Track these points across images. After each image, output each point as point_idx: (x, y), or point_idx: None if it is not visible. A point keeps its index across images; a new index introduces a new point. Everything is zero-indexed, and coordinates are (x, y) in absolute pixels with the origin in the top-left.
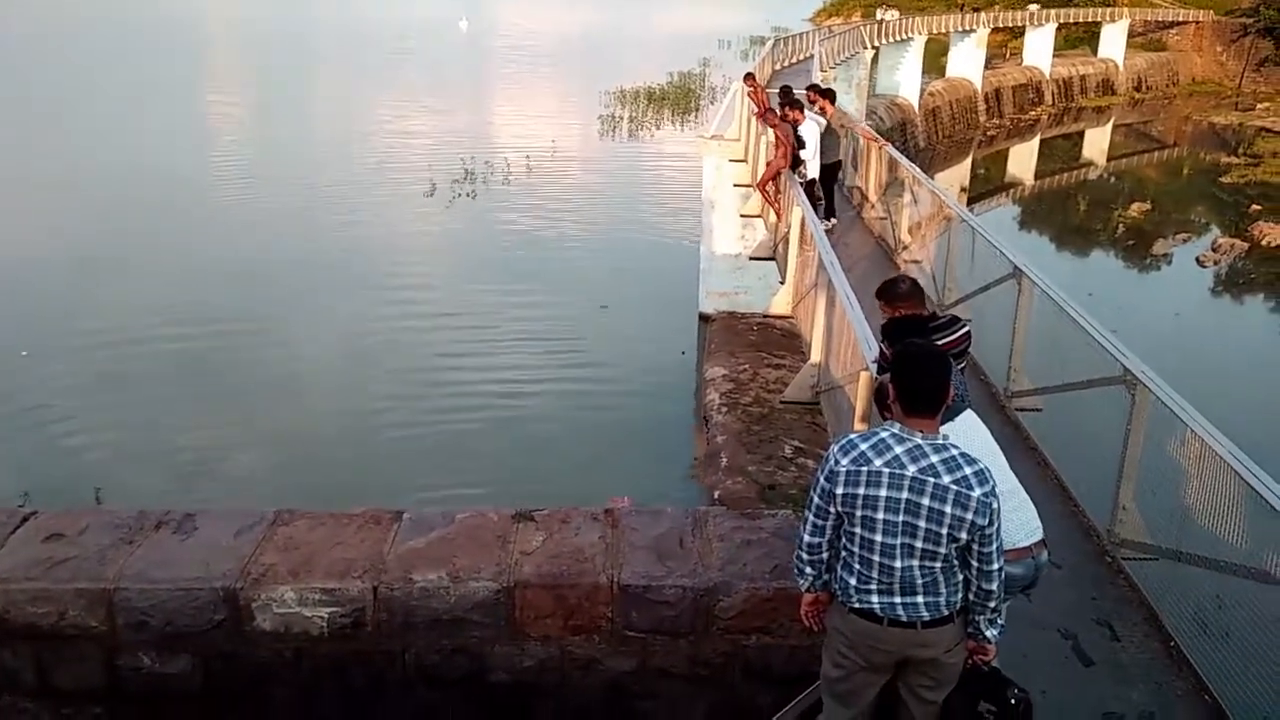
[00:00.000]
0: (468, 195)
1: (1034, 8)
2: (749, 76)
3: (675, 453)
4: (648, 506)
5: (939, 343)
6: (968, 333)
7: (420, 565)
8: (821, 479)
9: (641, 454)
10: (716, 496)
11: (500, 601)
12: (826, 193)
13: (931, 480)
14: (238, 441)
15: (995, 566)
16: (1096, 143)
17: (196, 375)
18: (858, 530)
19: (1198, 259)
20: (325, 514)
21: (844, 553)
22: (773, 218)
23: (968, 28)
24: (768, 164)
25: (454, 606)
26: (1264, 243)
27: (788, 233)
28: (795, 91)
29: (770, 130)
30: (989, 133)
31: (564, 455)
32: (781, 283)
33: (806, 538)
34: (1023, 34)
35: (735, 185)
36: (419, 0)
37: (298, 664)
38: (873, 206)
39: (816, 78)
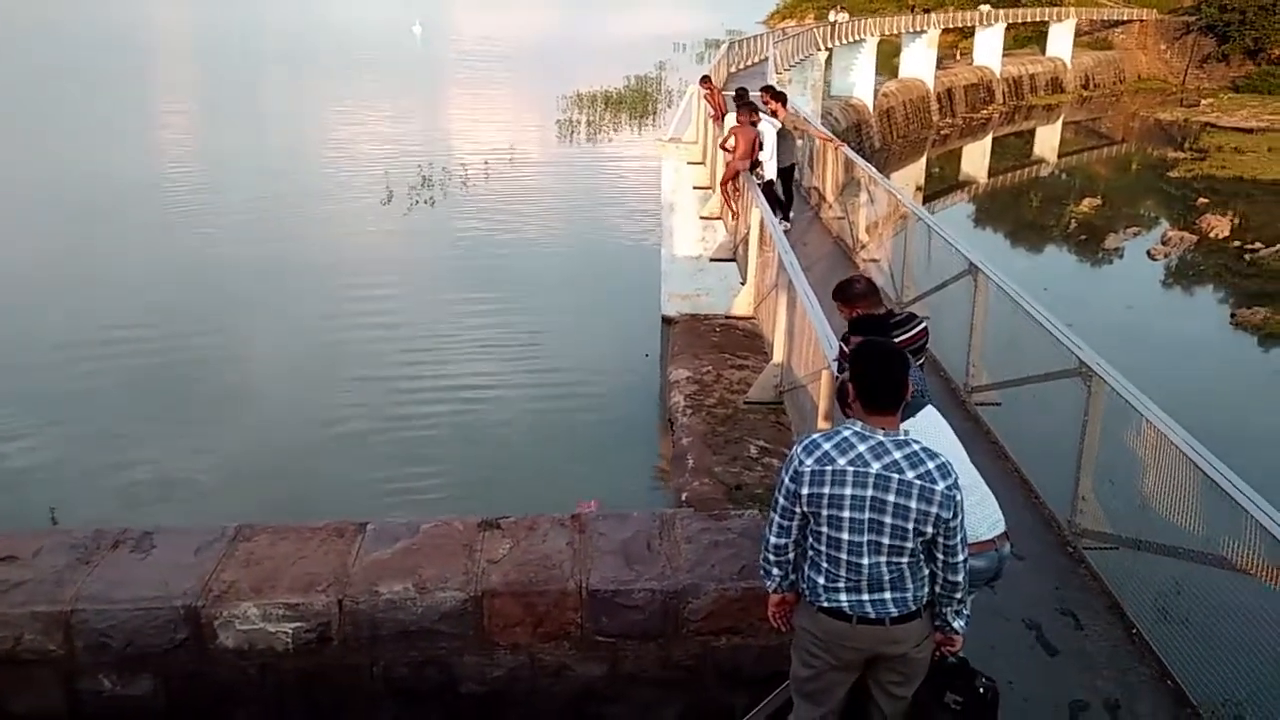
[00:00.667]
0: (426, 202)
1: (985, 8)
2: (705, 80)
3: (641, 456)
4: (615, 510)
5: (897, 339)
6: (925, 329)
7: (386, 577)
8: (786, 480)
9: (608, 458)
10: (684, 498)
11: (468, 611)
12: (785, 194)
13: (896, 476)
14: (196, 455)
15: (960, 559)
16: (1047, 140)
17: (151, 388)
18: (824, 529)
19: (1148, 252)
20: (287, 527)
21: (811, 552)
22: (732, 220)
23: (919, 29)
24: (727, 164)
25: (421, 618)
26: (1212, 235)
27: (747, 234)
28: (750, 94)
29: (729, 133)
30: (942, 132)
31: (529, 461)
32: (743, 284)
33: (773, 539)
34: (973, 34)
35: (695, 187)
36: (371, 5)
37: (263, 681)
38: (830, 206)
39: (772, 80)
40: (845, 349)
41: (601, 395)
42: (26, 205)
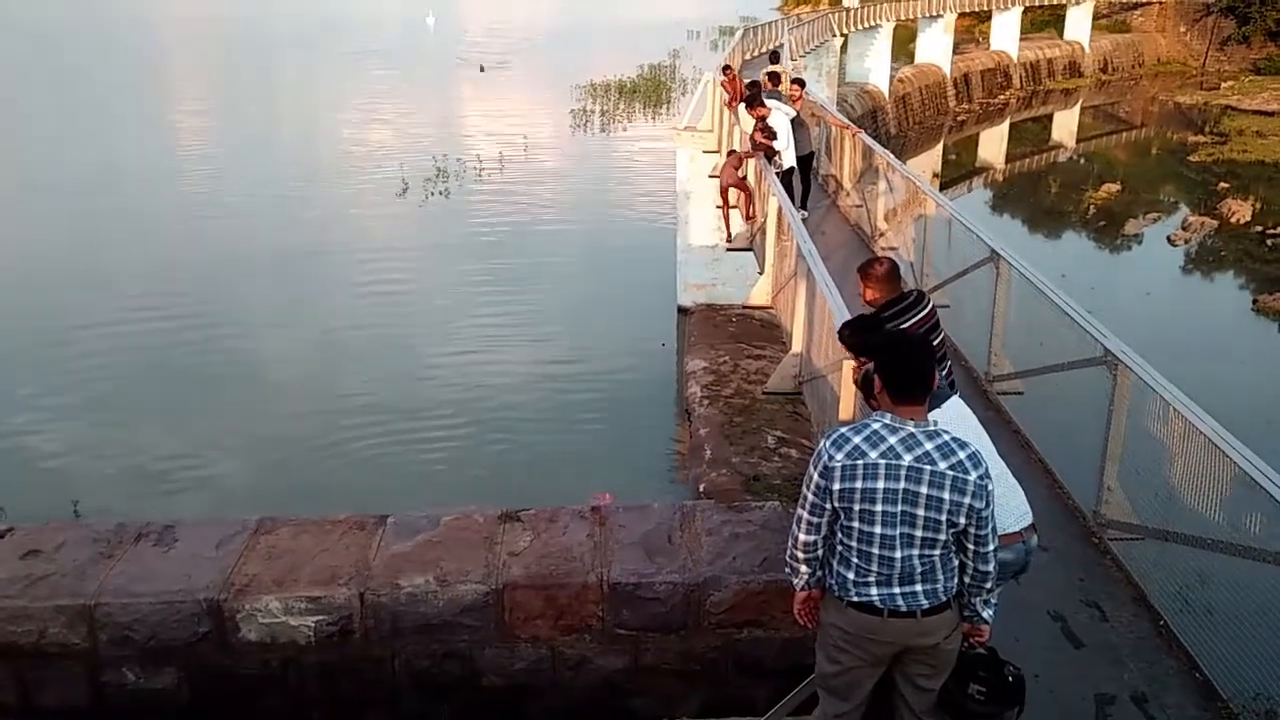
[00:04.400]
0: (441, 193)
1: None
2: (727, 68)
3: (658, 446)
4: (635, 502)
5: (909, 323)
6: (933, 309)
7: (407, 570)
8: (815, 476)
9: (624, 448)
10: (702, 489)
11: (489, 604)
12: (804, 183)
13: (928, 468)
14: (216, 446)
15: (991, 548)
16: (1065, 125)
17: (171, 381)
18: (856, 524)
19: (1169, 238)
20: (309, 520)
21: (840, 547)
22: (743, 222)
23: (935, 13)
24: (734, 154)
25: (442, 610)
26: (1233, 220)
27: (764, 223)
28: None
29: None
30: (959, 118)
31: (546, 451)
32: (760, 273)
33: (802, 536)
34: (989, 18)
35: (710, 176)
36: None
37: (285, 675)
38: (848, 194)
39: (789, 65)
40: (856, 362)
41: (618, 385)
42: (45, 197)
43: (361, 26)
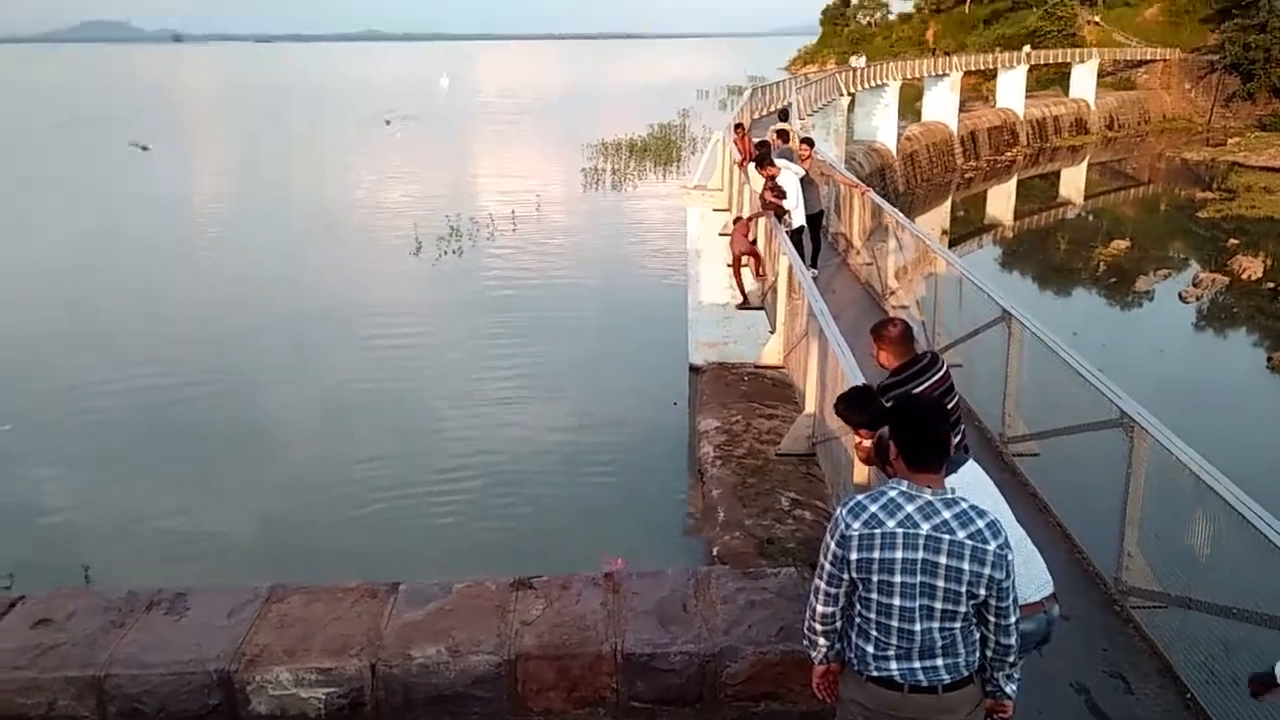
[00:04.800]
0: (454, 252)
1: (1004, 55)
2: (738, 126)
3: (670, 506)
4: (648, 568)
5: (922, 387)
6: (947, 372)
7: (419, 639)
8: (832, 545)
9: (636, 508)
10: (715, 552)
11: (502, 675)
12: (813, 241)
13: (946, 537)
14: (228, 508)
15: (1012, 620)
16: (1073, 181)
17: (181, 441)
18: (874, 596)
19: (1180, 294)
20: (320, 588)
21: (859, 620)
22: (754, 279)
23: (941, 72)
24: (743, 219)
25: (454, 682)
26: (1244, 276)
27: (775, 282)
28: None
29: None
30: (967, 175)
31: (559, 510)
32: (771, 333)
33: (820, 607)
34: (995, 77)
35: (720, 234)
36: (400, 59)
37: None
38: (858, 253)
39: (796, 124)
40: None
41: (629, 444)
42: (55, 264)
43: (379, 89)
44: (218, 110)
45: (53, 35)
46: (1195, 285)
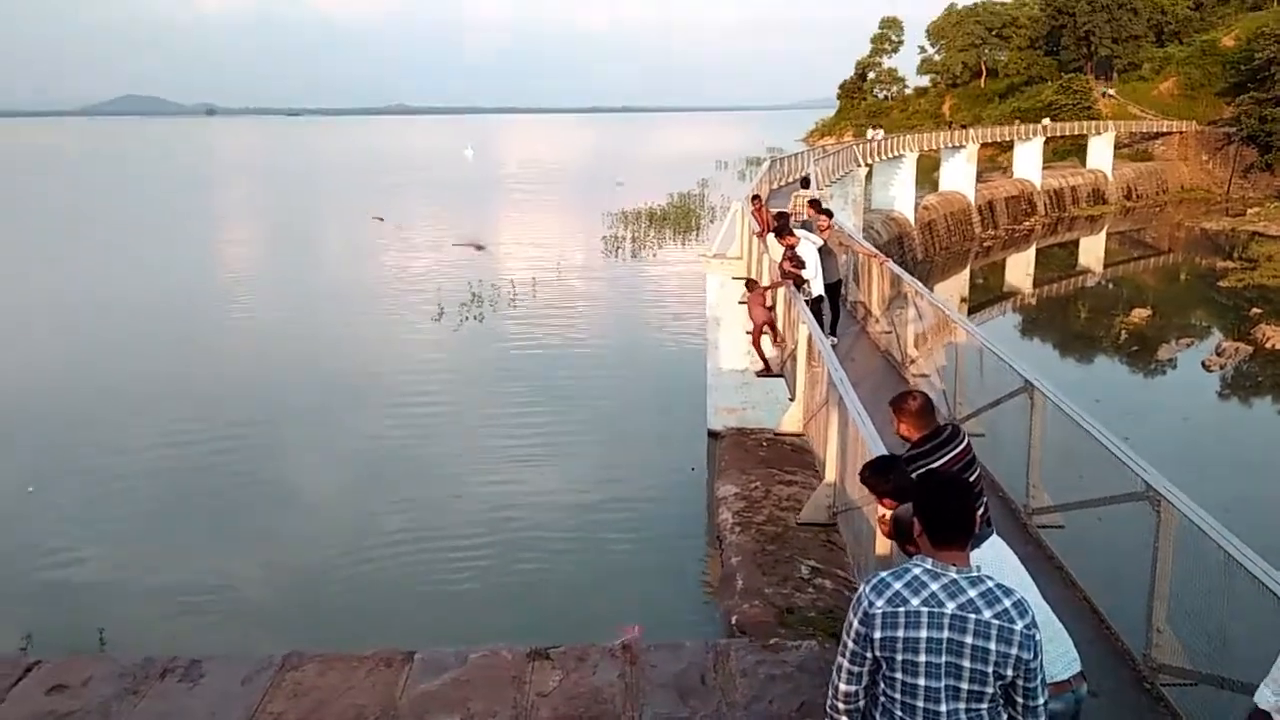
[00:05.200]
0: (475, 317)
1: (1021, 127)
2: (755, 198)
3: (689, 573)
4: (666, 640)
5: (941, 460)
6: (969, 443)
7: (434, 710)
8: (855, 623)
9: (655, 575)
10: (734, 620)
11: None
12: (833, 309)
13: (973, 617)
14: (245, 571)
15: (1040, 702)
16: (1092, 250)
17: (199, 505)
18: (898, 675)
19: (1203, 363)
20: (335, 656)
21: (883, 699)
22: (774, 349)
23: (958, 144)
24: (760, 288)
25: None
26: (1268, 345)
27: (795, 350)
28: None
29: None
30: (985, 243)
31: (576, 576)
32: (790, 400)
33: (843, 686)
34: (1011, 148)
35: (740, 302)
36: (427, 131)
37: None
38: (877, 321)
39: (815, 192)
40: (881, 504)
41: (647, 509)
42: (81, 327)
43: (406, 159)
44: (241, 178)
45: (93, 109)
46: (1219, 354)
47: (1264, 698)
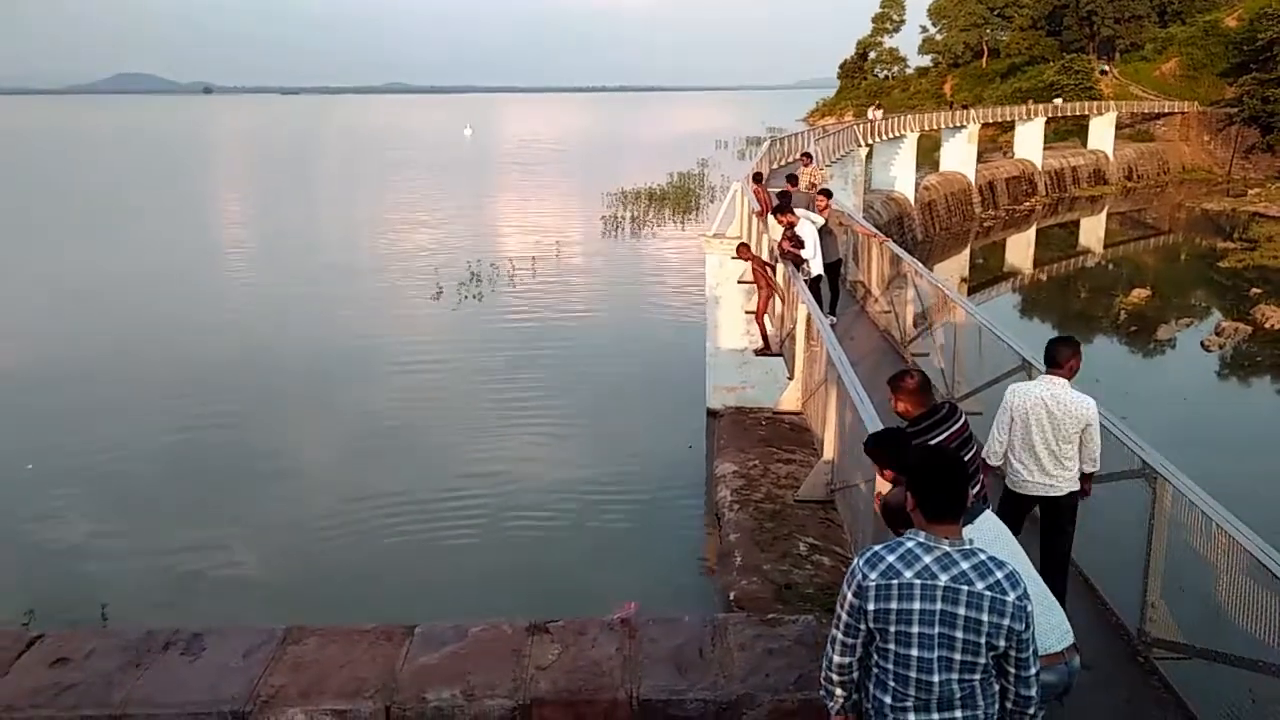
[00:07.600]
0: (474, 297)
1: (1022, 108)
2: (757, 177)
3: (687, 551)
4: (664, 614)
5: (940, 438)
6: (966, 421)
7: (434, 683)
8: (849, 595)
9: (653, 552)
10: (732, 597)
11: (516, 719)
12: (832, 289)
13: (965, 588)
14: (246, 547)
15: (1032, 672)
16: (1092, 230)
17: (201, 480)
18: (892, 646)
19: (1202, 343)
20: (336, 630)
21: (876, 670)
22: (769, 326)
23: (958, 124)
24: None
25: None
26: (1267, 325)
27: (794, 329)
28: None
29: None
30: (985, 223)
31: (575, 553)
32: (789, 379)
33: (836, 657)
34: (1012, 128)
35: (739, 282)
36: (425, 110)
37: None
38: (876, 300)
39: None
40: (879, 474)
41: (646, 486)
42: (78, 306)
43: (405, 137)
44: (241, 157)
45: (88, 86)
46: (1218, 334)
47: None
